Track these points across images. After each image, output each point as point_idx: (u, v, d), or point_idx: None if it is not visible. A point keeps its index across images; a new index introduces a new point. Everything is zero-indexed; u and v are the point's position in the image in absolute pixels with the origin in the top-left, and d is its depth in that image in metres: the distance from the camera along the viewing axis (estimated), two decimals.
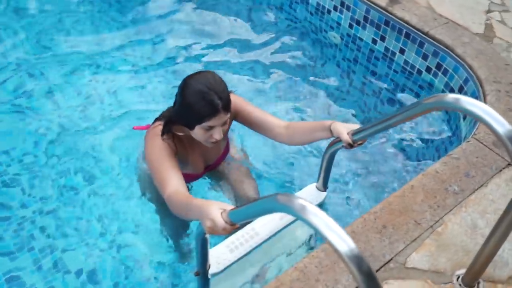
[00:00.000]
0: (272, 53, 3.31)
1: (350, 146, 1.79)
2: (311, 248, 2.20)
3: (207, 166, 2.24)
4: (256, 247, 1.99)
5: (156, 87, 3.04)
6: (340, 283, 1.64)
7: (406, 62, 2.98)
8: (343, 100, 3.00)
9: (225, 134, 2.18)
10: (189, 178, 2.16)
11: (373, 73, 3.13)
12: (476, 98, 2.51)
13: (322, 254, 1.75)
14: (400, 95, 3.00)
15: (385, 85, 3.06)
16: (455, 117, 2.71)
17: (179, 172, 1.87)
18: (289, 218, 2.11)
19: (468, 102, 1.41)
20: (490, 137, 2.21)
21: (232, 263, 1.93)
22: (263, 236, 2.02)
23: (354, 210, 2.39)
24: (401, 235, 1.80)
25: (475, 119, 1.47)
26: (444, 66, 2.75)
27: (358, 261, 1.04)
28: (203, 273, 1.86)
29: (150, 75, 3.12)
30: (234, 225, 1.41)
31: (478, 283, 1.70)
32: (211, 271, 1.86)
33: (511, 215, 1.51)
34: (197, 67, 3.13)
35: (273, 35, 3.45)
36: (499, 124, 1.34)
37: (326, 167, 2.16)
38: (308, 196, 2.21)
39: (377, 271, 1.70)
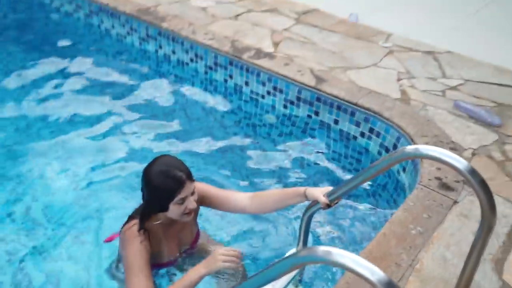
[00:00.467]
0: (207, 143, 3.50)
1: (328, 206, 1.99)
2: None
3: (183, 251, 2.28)
4: None
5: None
6: None
7: (341, 131, 3.32)
8: (286, 175, 3.20)
9: (195, 218, 2.28)
10: (167, 265, 2.22)
11: (312, 144, 3.42)
12: None
13: None
14: (343, 162, 3.29)
15: (325, 154, 3.36)
16: (393, 172, 3.05)
17: (149, 275, 1.96)
18: (282, 285, 2.25)
19: (428, 149, 1.70)
20: (434, 182, 2.53)
21: None
22: None
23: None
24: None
25: (436, 161, 1.74)
26: (376, 129, 3.11)
27: (390, 284, 1.22)
28: None
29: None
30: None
31: None
32: None
33: (477, 249, 1.77)
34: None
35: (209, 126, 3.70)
36: (458, 162, 1.64)
37: (305, 230, 2.34)
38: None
39: None
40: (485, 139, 2.93)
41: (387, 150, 3.07)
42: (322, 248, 1.32)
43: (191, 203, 1.96)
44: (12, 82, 3.97)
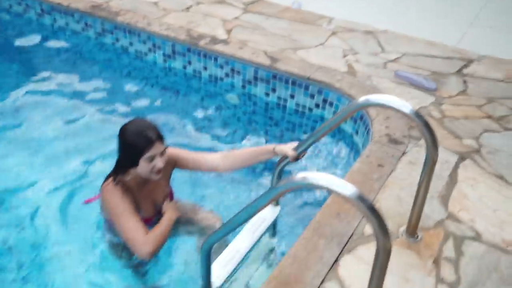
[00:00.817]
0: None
1: (296, 159, 2.25)
2: (270, 266, 2.54)
3: (157, 210, 2.41)
4: (238, 262, 2.34)
5: None
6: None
7: (297, 105, 3.60)
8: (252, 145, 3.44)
9: (167, 180, 2.46)
10: (145, 222, 2.32)
11: (271, 119, 3.68)
12: (362, 117, 3.19)
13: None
14: (298, 133, 3.57)
15: (284, 127, 3.63)
16: (347, 134, 3.35)
17: (139, 218, 2.18)
18: (259, 233, 2.49)
19: (378, 98, 1.96)
20: (384, 138, 2.85)
21: (227, 277, 2.24)
22: (242, 252, 2.37)
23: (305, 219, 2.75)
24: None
25: (385, 107, 1.98)
26: (329, 100, 3.41)
27: (360, 198, 1.47)
28: None
29: None
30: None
31: (417, 233, 2.23)
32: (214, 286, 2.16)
33: (424, 182, 2.06)
34: None
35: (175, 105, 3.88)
36: (405, 106, 1.92)
37: (276, 183, 2.59)
38: (266, 213, 2.60)
39: (345, 245, 2.14)
40: (424, 101, 3.29)
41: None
42: (299, 175, 1.56)
43: (159, 162, 2.16)
44: None
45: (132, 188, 2.25)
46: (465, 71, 3.77)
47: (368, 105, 2.04)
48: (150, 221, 2.37)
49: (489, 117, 3.17)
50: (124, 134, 2.15)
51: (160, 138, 2.15)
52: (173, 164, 2.38)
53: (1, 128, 3.46)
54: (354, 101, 2.05)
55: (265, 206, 1.69)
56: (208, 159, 2.41)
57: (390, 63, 3.79)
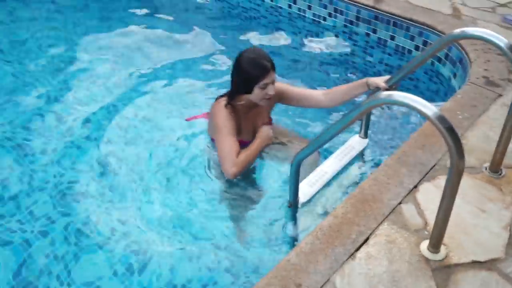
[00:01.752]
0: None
1: (387, 91, 2.32)
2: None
3: (255, 135, 2.54)
4: (325, 182, 2.52)
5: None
6: None
7: (397, 46, 3.60)
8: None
9: (269, 109, 2.62)
10: (242, 144, 2.46)
11: (370, 63, 3.72)
12: (461, 60, 3.15)
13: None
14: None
15: (382, 68, 3.66)
16: (445, 78, 3.32)
17: (236, 139, 2.36)
18: (346, 160, 2.64)
19: (474, 30, 1.99)
20: (481, 80, 2.81)
21: (313, 195, 2.44)
22: (330, 175, 2.55)
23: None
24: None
25: (480, 39, 1.98)
26: (429, 42, 3.37)
27: (442, 119, 1.56)
28: (294, 204, 2.36)
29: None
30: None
31: (501, 170, 2.25)
32: (300, 201, 2.37)
33: (510, 121, 2.07)
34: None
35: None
36: (499, 40, 1.92)
37: (366, 118, 2.71)
38: (354, 143, 2.74)
39: (426, 174, 2.23)
40: None
41: (439, 60, 3.34)
42: (385, 93, 1.69)
43: (271, 90, 2.32)
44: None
45: (239, 112, 2.44)
46: None
47: (461, 37, 2.05)
48: (248, 144, 2.53)
49: None
50: (241, 62, 2.29)
51: (273, 67, 2.30)
52: (279, 97, 2.53)
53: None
54: (449, 33, 2.06)
55: (350, 123, 1.83)
56: (313, 95, 2.56)
57: (499, 7, 3.63)
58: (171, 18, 4.33)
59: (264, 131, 2.48)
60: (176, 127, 2.96)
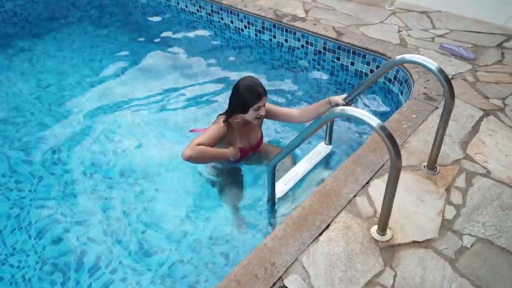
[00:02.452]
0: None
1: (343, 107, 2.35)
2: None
3: (251, 146, 2.60)
4: (296, 181, 2.54)
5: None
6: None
7: (356, 70, 3.64)
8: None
9: (260, 125, 2.64)
10: (242, 152, 2.52)
11: (336, 82, 3.76)
12: (406, 80, 3.19)
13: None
14: None
15: (346, 86, 3.69)
16: (394, 94, 3.36)
17: (212, 145, 2.30)
18: (314, 163, 2.67)
19: (411, 56, 2.00)
20: (421, 96, 2.85)
21: (287, 191, 2.46)
22: (300, 175, 2.57)
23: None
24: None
25: (415, 64, 1.99)
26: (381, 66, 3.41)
27: (383, 128, 1.60)
28: (272, 199, 2.38)
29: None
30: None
31: (436, 168, 2.29)
32: (276, 197, 2.39)
33: (441, 127, 2.09)
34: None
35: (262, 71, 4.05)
36: (431, 64, 1.96)
37: (329, 128, 2.74)
38: (320, 149, 2.77)
39: (376, 172, 2.25)
40: (462, 68, 3.20)
41: (389, 81, 3.38)
42: (339, 108, 1.72)
43: (263, 111, 2.36)
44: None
45: (235, 127, 2.46)
46: (505, 44, 3.56)
47: (402, 62, 2.07)
48: (247, 153, 2.59)
49: None
50: (239, 88, 2.32)
51: (265, 93, 2.34)
52: (267, 114, 2.51)
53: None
54: (392, 58, 2.10)
55: (312, 132, 1.87)
56: (291, 112, 2.59)
57: (438, 38, 3.67)
58: (175, 47, 4.38)
59: (233, 151, 2.44)
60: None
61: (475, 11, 4.24)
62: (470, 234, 1.91)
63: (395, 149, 1.60)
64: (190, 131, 2.92)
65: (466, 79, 3.06)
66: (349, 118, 2.99)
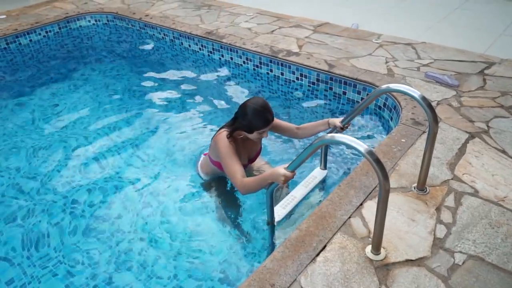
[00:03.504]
0: None
1: (342, 129, 2.36)
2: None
3: (249, 159, 2.52)
4: (294, 205, 2.52)
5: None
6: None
7: (348, 98, 3.68)
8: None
9: (261, 140, 2.55)
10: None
11: (329, 109, 3.79)
12: (395, 107, 3.21)
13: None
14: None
15: (339, 112, 3.72)
16: (386, 120, 3.38)
17: (240, 163, 2.22)
18: (310, 187, 2.65)
19: (396, 85, 2.04)
20: (409, 121, 2.87)
21: (286, 215, 2.44)
22: (298, 199, 2.56)
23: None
24: None
25: (401, 93, 2.01)
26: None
27: (371, 153, 1.61)
28: (271, 222, 2.36)
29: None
30: (294, 172, 1.94)
31: (426, 188, 2.27)
32: (276, 220, 2.37)
33: (428, 149, 2.09)
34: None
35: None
36: (414, 92, 1.98)
37: (324, 154, 2.74)
38: (316, 174, 2.77)
39: (369, 194, 2.24)
40: (447, 95, 3.23)
41: (380, 108, 3.41)
42: (329, 135, 1.73)
43: (266, 134, 2.29)
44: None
45: (237, 141, 2.34)
46: (486, 71, 3.60)
47: (387, 91, 2.09)
48: (244, 167, 2.37)
49: (501, 106, 3.04)
50: (247, 110, 2.17)
51: (273, 118, 2.23)
52: (271, 128, 2.39)
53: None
54: (379, 87, 2.12)
55: (306, 158, 1.87)
56: (291, 128, 2.52)
57: (423, 67, 3.72)
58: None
59: (276, 172, 1.99)
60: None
61: (457, 42, 4.32)
62: (461, 252, 1.87)
63: (383, 173, 1.60)
64: (204, 155, 2.79)
65: (451, 104, 3.08)
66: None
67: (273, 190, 2.16)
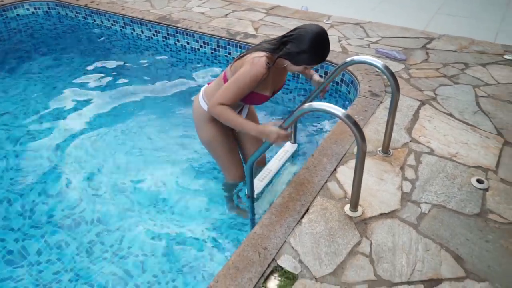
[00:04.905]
0: None
1: (322, 92, 2.31)
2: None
3: (273, 92, 2.14)
4: (271, 177, 2.65)
5: None
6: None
7: None
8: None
9: (286, 75, 2.19)
10: (262, 99, 2.07)
11: (294, 86, 3.92)
12: (352, 81, 3.42)
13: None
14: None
15: (298, 92, 3.88)
16: (344, 93, 3.58)
17: (243, 94, 1.90)
18: (283, 160, 2.79)
19: (361, 57, 2.20)
20: (367, 93, 3.08)
21: (264, 187, 2.56)
22: (273, 172, 2.68)
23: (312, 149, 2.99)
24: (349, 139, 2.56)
25: (366, 64, 2.15)
26: (329, 72, 3.64)
27: (348, 117, 1.75)
28: (251, 195, 2.47)
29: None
30: (288, 131, 1.87)
31: (390, 151, 2.49)
32: (255, 193, 2.48)
33: (391, 116, 2.29)
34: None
35: None
36: (378, 62, 2.15)
37: (294, 128, 2.88)
38: (287, 147, 2.90)
39: (340, 160, 2.42)
40: (397, 68, 3.49)
41: (337, 84, 3.61)
42: (307, 104, 1.85)
43: (310, 70, 2.08)
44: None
45: (272, 72, 1.97)
46: (428, 46, 3.92)
47: (353, 63, 2.23)
48: (266, 100, 2.11)
49: (444, 76, 3.35)
50: (305, 38, 1.77)
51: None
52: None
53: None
54: (344, 60, 2.26)
55: (289, 126, 1.97)
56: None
57: (372, 44, 3.97)
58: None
59: (268, 129, 1.84)
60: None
61: (399, 20, 4.64)
62: (426, 202, 2.10)
63: (361, 134, 1.75)
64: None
65: (402, 76, 3.34)
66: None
67: (253, 163, 2.26)
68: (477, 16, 4.86)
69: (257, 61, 1.85)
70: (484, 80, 3.24)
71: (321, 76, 3.70)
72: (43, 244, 2.32)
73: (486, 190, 2.17)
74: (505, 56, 3.63)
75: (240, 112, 2.28)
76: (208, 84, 2.28)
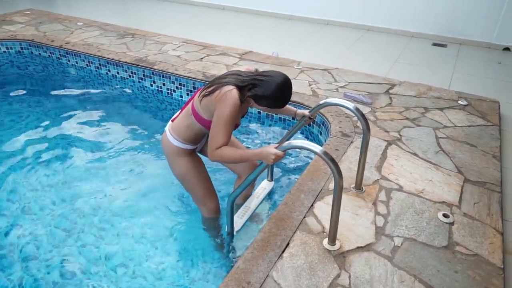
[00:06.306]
0: None
1: (310, 119, 2.46)
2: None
3: (236, 126, 2.19)
4: (250, 215, 2.70)
5: None
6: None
7: (280, 117, 4.01)
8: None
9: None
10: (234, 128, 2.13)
11: (265, 129, 4.06)
12: (323, 123, 3.61)
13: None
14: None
15: (272, 131, 4.02)
16: (316, 135, 3.75)
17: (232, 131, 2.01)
18: (261, 198, 2.86)
19: (333, 100, 2.38)
20: (338, 133, 3.26)
21: (243, 224, 2.60)
22: (252, 209, 2.74)
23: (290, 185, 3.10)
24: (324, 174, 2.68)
25: (338, 106, 2.34)
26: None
27: (325, 153, 1.88)
28: (231, 232, 2.50)
29: None
30: (284, 153, 1.93)
31: (362, 188, 2.62)
32: (235, 230, 2.52)
33: (362, 156, 2.45)
34: None
35: None
36: (350, 105, 2.34)
37: (271, 166, 2.98)
38: (265, 185, 2.98)
39: (317, 196, 2.52)
40: (364, 111, 3.71)
41: (309, 125, 3.79)
42: (286, 142, 1.97)
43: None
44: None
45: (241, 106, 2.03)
46: (390, 91, 4.22)
47: (328, 104, 2.40)
48: (237, 126, 2.21)
49: (407, 118, 3.61)
50: (272, 83, 1.93)
51: None
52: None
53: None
54: (319, 102, 2.42)
55: (264, 168, 2.08)
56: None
57: (340, 88, 4.23)
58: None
59: (266, 151, 1.94)
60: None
61: (364, 67, 4.98)
62: (398, 236, 2.22)
63: (338, 170, 1.87)
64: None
65: (369, 118, 3.57)
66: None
67: (233, 201, 2.32)
68: (432, 65, 5.31)
69: (230, 95, 1.95)
70: (442, 123, 3.52)
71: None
72: None
73: (452, 224, 2.32)
74: (459, 102, 3.97)
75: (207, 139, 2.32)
76: (172, 120, 2.34)
